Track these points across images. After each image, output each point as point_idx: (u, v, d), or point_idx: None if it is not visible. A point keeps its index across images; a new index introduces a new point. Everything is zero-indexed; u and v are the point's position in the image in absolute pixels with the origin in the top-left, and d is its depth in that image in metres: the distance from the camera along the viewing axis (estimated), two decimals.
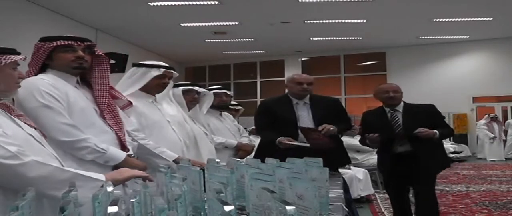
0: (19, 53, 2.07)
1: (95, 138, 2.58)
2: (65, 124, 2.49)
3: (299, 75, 4.75)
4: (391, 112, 4.81)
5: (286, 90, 4.72)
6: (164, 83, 3.60)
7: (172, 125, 3.60)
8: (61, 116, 2.49)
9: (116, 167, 2.62)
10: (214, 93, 4.87)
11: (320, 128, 4.21)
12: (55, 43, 2.66)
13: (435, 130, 4.56)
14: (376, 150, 9.10)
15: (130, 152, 2.84)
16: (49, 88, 2.50)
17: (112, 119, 2.79)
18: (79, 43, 2.72)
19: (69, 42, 2.69)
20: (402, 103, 4.84)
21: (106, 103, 2.79)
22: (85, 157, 2.55)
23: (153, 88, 3.54)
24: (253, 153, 5.03)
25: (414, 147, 4.59)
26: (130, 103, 3.16)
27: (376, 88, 4.97)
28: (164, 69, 3.56)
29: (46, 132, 2.37)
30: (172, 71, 3.65)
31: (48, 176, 1.84)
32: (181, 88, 4.21)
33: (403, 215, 5.01)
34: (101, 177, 2.00)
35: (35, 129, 2.14)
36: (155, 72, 3.51)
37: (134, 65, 3.60)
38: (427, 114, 4.77)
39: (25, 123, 2.10)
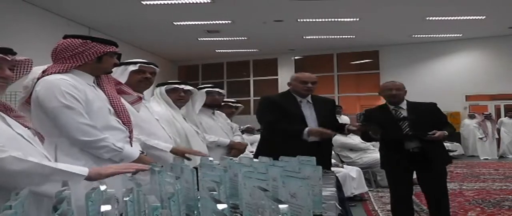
0: (9, 52, 2.04)
1: (112, 137, 2.63)
2: (85, 125, 2.53)
3: (303, 74, 4.72)
4: (395, 109, 4.91)
5: (289, 88, 4.73)
6: (146, 78, 3.55)
7: (161, 123, 3.60)
8: (81, 116, 2.53)
9: None
10: (206, 92, 4.86)
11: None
12: (112, 48, 2.76)
13: (444, 131, 4.70)
14: (370, 149, 9.27)
15: (141, 149, 2.92)
16: (70, 88, 2.53)
17: (126, 118, 2.84)
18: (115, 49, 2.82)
19: (116, 50, 2.81)
20: (405, 101, 4.96)
21: (120, 103, 2.86)
22: (103, 156, 2.61)
23: (136, 85, 3.49)
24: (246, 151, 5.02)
25: (423, 144, 4.73)
26: (140, 98, 3.23)
27: (381, 86, 5.10)
28: (140, 64, 3.54)
29: (65, 132, 2.49)
30: (151, 66, 3.61)
31: (26, 171, 1.83)
32: (164, 87, 4.20)
33: (407, 212, 5.09)
34: (84, 171, 2.00)
35: (29, 129, 2.13)
36: (132, 68, 3.50)
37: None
38: (431, 113, 4.92)
39: (20, 123, 2.09)
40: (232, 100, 6.33)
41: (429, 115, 4.83)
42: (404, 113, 4.86)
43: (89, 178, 2.00)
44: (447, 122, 5.10)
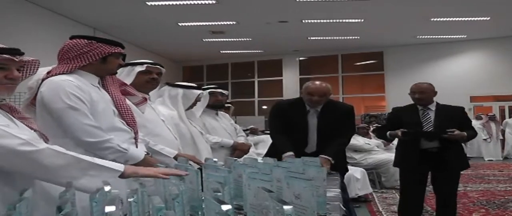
0: (17, 53, 2.02)
1: (117, 138, 2.62)
2: (89, 126, 2.53)
3: (311, 86, 4.40)
4: (423, 110, 4.94)
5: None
6: (153, 79, 3.56)
7: (167, 124, 3.59)
8: (86, 117, 2.53)
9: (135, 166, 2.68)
10: (210, 93, 4.86)
11: None
12: (118, 49, 2.76)
13: (464, 133, 4.71)
14: (375, 150, 9.27)
15: (146, 150, 2.91)
16: (74, 89, 2.52)
17: (130, 119, 2.83)
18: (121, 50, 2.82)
19: (121, 51, 2.80)
20: (435, 102, 4.98)
21: (125, 104, 2.85)
22: (107, 157, 2.56)
23: (143, 86, 3.49)
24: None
25: (442, 145, 4.74)
26: (145, 99, 3.22)
27: (410, 87, 5.07)
28: (146, 64, 3.54)
29: (70, 133, 2.49)
30: (158, 66, 3.61)
31: (63, 166, 1.84)
32: (193, 90, 4.21)
33: (415, 213, 5.08)
34: (120, 167, 1.98)
35: (35, 131, 2.13)
36: (139, 68, 3.50)
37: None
38: (457, 116, 4.93)
39: (26, 125, 2.09)
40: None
41: (454, 119, 4.84)
42: (431, 115, 4.88)
43: (122, 174, 1.97)
44: (471, 127, 5.11)
